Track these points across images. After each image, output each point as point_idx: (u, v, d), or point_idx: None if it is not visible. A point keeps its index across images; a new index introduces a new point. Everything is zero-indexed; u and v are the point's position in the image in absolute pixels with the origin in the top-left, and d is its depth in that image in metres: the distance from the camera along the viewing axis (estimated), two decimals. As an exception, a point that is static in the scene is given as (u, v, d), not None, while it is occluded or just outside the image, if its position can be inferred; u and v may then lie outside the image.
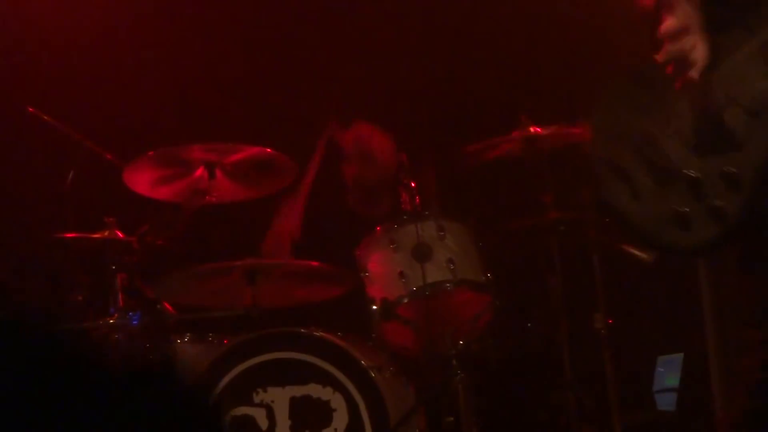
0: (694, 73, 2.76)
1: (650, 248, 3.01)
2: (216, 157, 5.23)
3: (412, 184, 5.39)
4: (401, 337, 5.27)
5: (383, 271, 5.23)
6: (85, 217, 5.30)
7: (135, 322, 5.08)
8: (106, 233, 5.19)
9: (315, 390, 4.90)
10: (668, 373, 5.36)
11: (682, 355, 5.34)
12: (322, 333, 4.98)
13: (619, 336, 5.50)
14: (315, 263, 5.24)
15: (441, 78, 6.60)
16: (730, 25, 2.74)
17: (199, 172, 5.26)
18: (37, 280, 5.91)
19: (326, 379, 4.90)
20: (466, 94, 6.56)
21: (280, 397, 4.93)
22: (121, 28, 6.49)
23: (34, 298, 5.89)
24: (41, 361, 1.42)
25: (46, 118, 5.46)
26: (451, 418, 5.06)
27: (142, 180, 5.29)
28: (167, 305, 5.24)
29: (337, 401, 4.89)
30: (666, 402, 5.33)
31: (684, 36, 2.76)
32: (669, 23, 2.79)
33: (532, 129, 5.58)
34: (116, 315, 5.09)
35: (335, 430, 4.89)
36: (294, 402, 4.92)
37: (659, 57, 2.81)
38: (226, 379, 4.91)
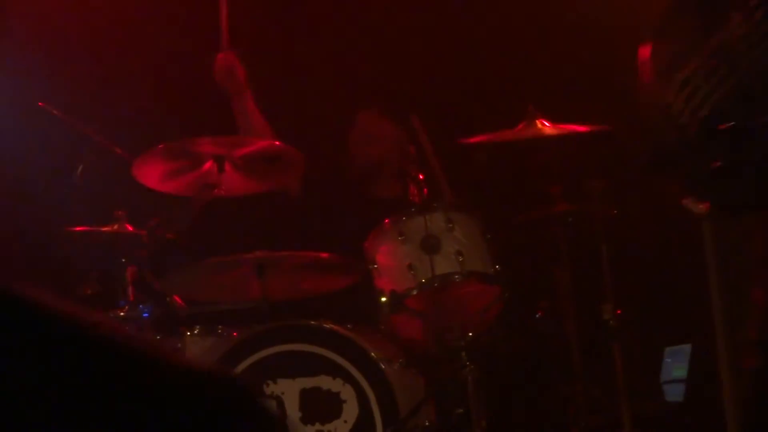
0: None
1: (703, 200, 2.97)
2: (225, 150, 5.24)
3: (421, 176, 5.41)
4: (410, 329, 5.28)
5: (392, 263, 5.24)
6: (95, 211, 5.31)
7: (145, 315, 5.10)
8: (116, 227, 5.22)
9: (325, 381, 4.92)
10: (676, 364, 5.38)
11: (690, 345, 5.36)
12: (331, 325, 5.00)
13: (627, 327, 5.52)
14: (324, 254, 5.25)
15: (449, 68, 6.62)
16: None
17: (209, 165, 5.27)
18: (48, 273, 5.93)
19: (336, 371, 4.92)
20: (474, 84, 6.58)
21: (290, 388, 4.95)
22: (129, 21, 6.51)
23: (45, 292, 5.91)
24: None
25: (55, 112, 5.48)
26: (461, 410, 5.07)
27: (152, 173, 5.30)
28: (177, 298, 5.26)
29: (347, 393, 4.92)
30: (674, 393, 5.35)
31: None
32: None
33: (539, 121, 5.59)
34: (126, 308, 5.11)
35: (345, 421, 4.91)
36: (304, 394, 4.94)
37: None
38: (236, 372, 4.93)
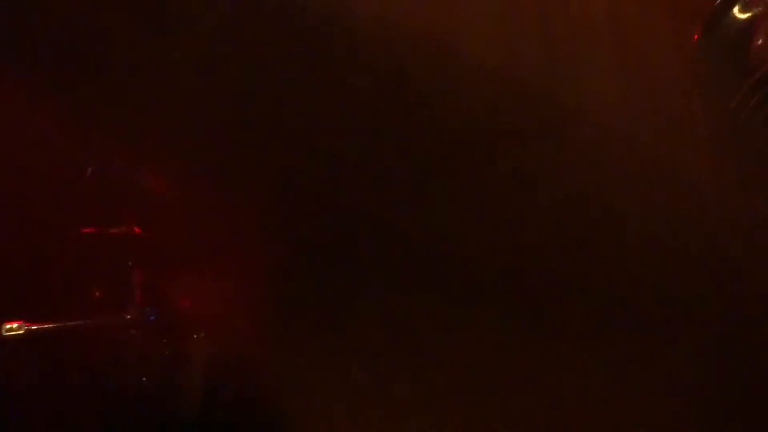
0: None
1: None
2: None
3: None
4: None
5: None
6: (103, 213, 5.33)
7: (152, 318, 5.12)
8: (124, 229, 5.23)
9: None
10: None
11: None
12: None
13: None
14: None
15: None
16: None
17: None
18: (55, 275, 5.95)
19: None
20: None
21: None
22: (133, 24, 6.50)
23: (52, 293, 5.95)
24: None
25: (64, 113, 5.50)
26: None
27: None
28: (186, 301, 5.28)
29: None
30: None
31: None
32: None
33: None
34: (133, 311, 5.12)
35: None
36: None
37: None
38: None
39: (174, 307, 5.23)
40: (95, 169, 5.41)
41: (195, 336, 5.21)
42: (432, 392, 5.09)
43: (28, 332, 4.93)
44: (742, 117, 2.61)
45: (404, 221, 5.47)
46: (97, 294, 5.29)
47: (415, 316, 5.30)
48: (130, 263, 5.18)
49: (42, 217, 6.06)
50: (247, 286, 5.22)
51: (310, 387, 5.06)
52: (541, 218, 5.57)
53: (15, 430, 5.92)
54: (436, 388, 5.11)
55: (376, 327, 5.31)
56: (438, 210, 5.50)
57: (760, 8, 2.60)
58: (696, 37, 2.73)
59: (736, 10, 2.70)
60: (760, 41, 2.61)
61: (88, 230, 5.25)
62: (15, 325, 4.88)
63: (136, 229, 5.25)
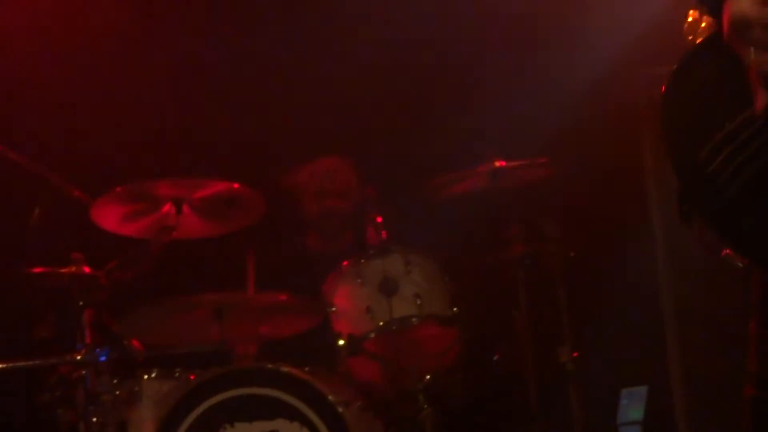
0: None
1: (745, 256, 2.94)
2: (183, 192, 5.24)
3: (378, 219, 5.42)
4: (368, 372, 5.30)
5: (350, 306, 5.25)
6: (52, 253, 5.29)
7: (102, 359, 5.07)
8: (74, 269, 5.19)
9: (282, 425, 4.92)
10: (633, 406, 5.40)
11: (646, 387, 5.38)
12: (289, 368, 4.99)
13: (584, 369, 5.54)
14: (283, 296, 5.26)
15: (406, 111, 6.65)
16: None
17: (167, 207, 5.26)
18: (4, 315, 5.90)
19: (293, 415, 4.91)
20: (432, 127, 6.62)
21: (248, 432, 4.94)
22: (87, 63, 6.50)
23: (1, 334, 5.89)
24: None
25: (11, 155, 5.46)
26: (419, 453, 5.09)
27: (110, 216, 5.30)
28: (135, 342, 5.24)
29: (305, 436, 4.91)
30: (630, 434, 5.37)
31: None
32: None
33: (497, 163, 5.64)
34: (84, 351, 5.07)
35: (303, 465, 4.90)
36: (262, 438, 4.94)
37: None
38: (193, 415, 4.92)
39: (124, 347, 5.20)
40: (42, 209, 5.37)
41: (146, 376, 5.19)
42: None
43: (-24, 372, 4.87)
44: (709, 171, 2.64)
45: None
46: (47, 334, 5.25)
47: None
48: (80, 303, 5.14)
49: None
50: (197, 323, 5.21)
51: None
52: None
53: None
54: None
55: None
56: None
57: (729, 62, 2.63)
58: (663, 88, 2.75)
59: (705, 60, 2.72)
60: (728, 94, 2.64)
61: (37, 270, 5.21)
62: (-36, 367, 4.82)
63: (86, 269, 5.22)
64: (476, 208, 5.96)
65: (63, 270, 5.19)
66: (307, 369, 5.05)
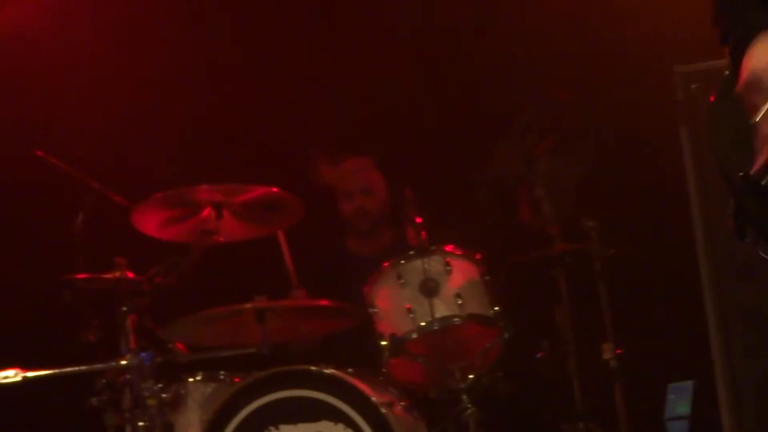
0: None
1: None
2: (223, 197, 5.27)
3: (418, 219, 5.43)
4: (411, 373, 5.31)
5: (391, 306, 5.27)
6: (95, 259, 5.34)
7: (147, 362, 5.11)
8: (117, 274, 5.24)
9: (326, 427, 4.93)
10: (679, 401, 5.38)
11: (692, 382, 5.36)
12: (332, 370, 5.01)
13: (628, 365, 5.53)
14: (324, 302, 5.29)
15: (440, 108, 6.66)
16: None
17: (207, 212, 5.30)
18: (50, 321, 5.97)
19: (337, 416, 4.93)
20: (466, 123, 6.62)
21: (292, 435, 4.96)
22: (128, 70, 6.55)
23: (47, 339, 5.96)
24: None
25: (54, 161, 5.51)
26: (463, 453, 5.10)
27: (151, 221, 5.35)
28: (179, 345, 5.29)
29: (349, 438, 4.93)
30: (677, 430, 5.34)
31: None
32: None
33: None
34: (128, 355, 5.11)
35: (347, 466, 4.92)
36: (306, 440, 4.96)
37: None
38: (238, 418, 4.95)
39: (169, 351, 5.24)
40: (85, 214, 5.42)
41: (191, 379, 5.23)
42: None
43: (24, 379, 4.91)
44: (763, 183, 2.60)
45: None
46: (92, 339, 5.29)
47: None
48: (124, 308, 5.18)
49: (36, 264, 6.07)
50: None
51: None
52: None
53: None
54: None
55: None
56: None
57: None
58: (712, 99, 2.72)
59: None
60: None
61: (81, 275, 5.26)
62: (11, 372, 4.87)
63: (129, 274, 5.26)
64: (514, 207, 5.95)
65: (107, 275, 5.24)
66: (350, 370, 5.06)
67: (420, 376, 5.33)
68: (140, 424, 5.05)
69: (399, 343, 5.18)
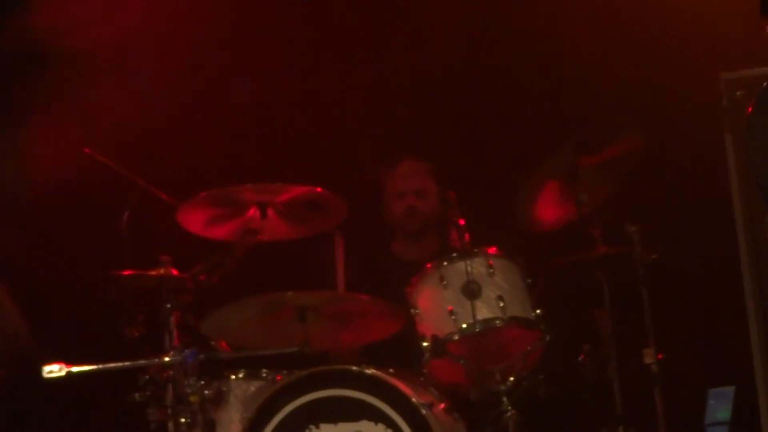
0: None
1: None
2: (267, 197, 5.31)
3: (461, 222, 5.44)
4: (452, 374, 5.32)
5: (433, 308, 5.28)
6: (141, 256, 5.38)
7: (190, 359, 5.15)
8: (162, 271, 5.28)
9: (367, 427, 4.96)
10: (720, 406, 5.36)
11: (733, 388, 5.34)
12: (373, 370, 5.03)
13: (669, 370, 5.52)
14: (366, 299, 5.29)
15: (485, 113, 6.67)
16: None
17: (252, 211, 5.34)
18: (95, 317, 6.01)
19: (378, 416, 4.95)
20: (509, 129, 6.62)
21: (332, 434, 4.99)
22: (173, 70, 6.58)
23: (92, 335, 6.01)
24: None
25: (101, 158, 5.57)
26: (503, 455, 5.11)
27: (196, 219, 5.39)
28: (222, 343, 5.32)
29: (389, 438, 4.95)
30: (718, 436, 5.33)
31: None
32: None
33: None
34: (172, 352, 5.15)
35: (387, 466, 4.94)
36: (346, 439, 4.98)
37: None
38: (279, 416, 4.98)
39: (211, 348, 5.28)
40: (131, 212, 5.46)
41: (233, 376, 5.26)
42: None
43: (68, 374, 4.96)
44: None
45: None
46: (136, 335, 5.33)
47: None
48: (168, 305, 5.22)
49: (82, 260, 6.12)
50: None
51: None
52: None
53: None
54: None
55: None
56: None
57: None
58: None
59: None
60: None
61: (126, 272, 5.30)
62: (55, 367, 4.91)
63: (174, 271, 5.30)
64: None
65: (151, 272, 5.28)
66: (391, 371, 5.08)
67: (461, 378, 5.34)
68: (182, 420, 5.09)
69: (440, 345, 5.20)
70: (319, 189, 5.33)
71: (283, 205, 5.37)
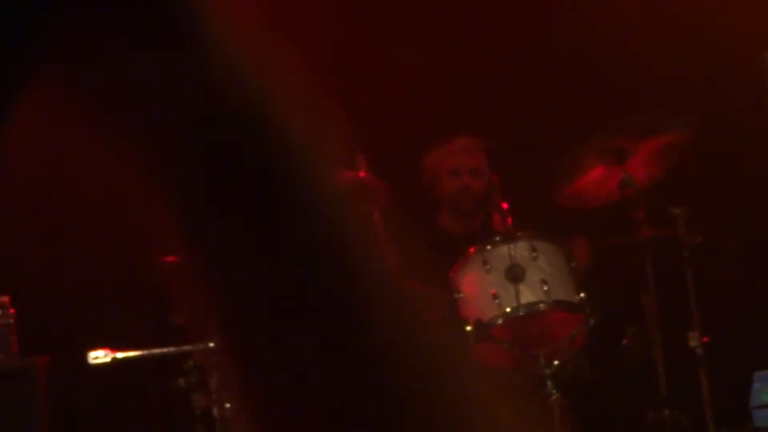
0: None
1: None
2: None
3: (504, 205, 5.42)
4: (496, 358, 5.31)
5: (476, 292, 5.28)
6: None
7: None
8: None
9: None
10: (765, 389, 5.34)
11: (780, 371, 5.32)
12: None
13: (714, 353, 5.50)
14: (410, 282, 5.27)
15: (531, 95, 6.65)
16: None
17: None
18: (140, 303, 6.05)
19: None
20: (553, 109, 6.61)
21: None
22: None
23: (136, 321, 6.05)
24: None
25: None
26: (548, 439, 5.09)
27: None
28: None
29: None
30: (763, 418, 5.31)
31: None
32: None
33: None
34: (217, 338, 5.17)
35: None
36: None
37: None
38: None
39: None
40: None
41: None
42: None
43: (114, 360, 4.99)
44: None
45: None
46: (181, 321, 5.36)
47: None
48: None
49: (127, 245, 6.15)
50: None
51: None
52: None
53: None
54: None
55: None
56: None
57: None
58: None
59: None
60: None
61: (171, 258, 5.33)
62: (101, 353, 4.95)
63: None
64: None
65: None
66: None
67: (504, 362, 5.32)
68: (227, 405, 5.11)
69: (484, 329, 5.19)
70: (362, 173, 5.33)
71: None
